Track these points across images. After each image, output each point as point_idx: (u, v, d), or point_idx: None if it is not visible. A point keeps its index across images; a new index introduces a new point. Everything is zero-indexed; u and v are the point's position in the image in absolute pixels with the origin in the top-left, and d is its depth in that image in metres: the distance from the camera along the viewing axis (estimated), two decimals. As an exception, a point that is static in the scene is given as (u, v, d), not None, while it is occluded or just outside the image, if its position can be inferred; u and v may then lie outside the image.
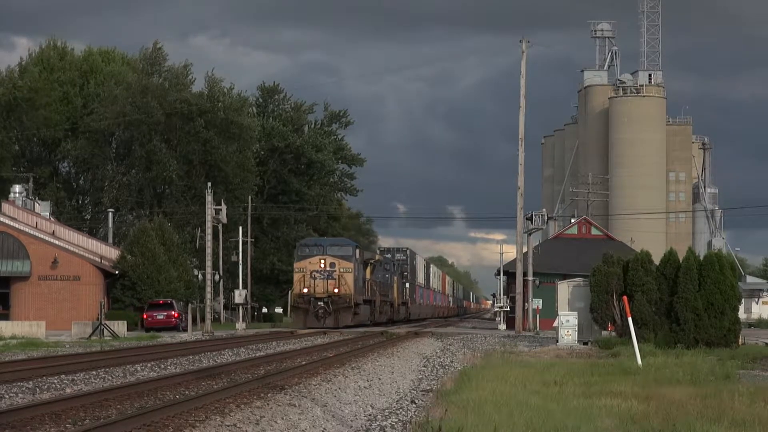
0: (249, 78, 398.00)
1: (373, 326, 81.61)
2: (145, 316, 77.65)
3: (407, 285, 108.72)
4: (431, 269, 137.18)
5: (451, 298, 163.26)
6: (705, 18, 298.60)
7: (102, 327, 62.79)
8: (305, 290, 73.92)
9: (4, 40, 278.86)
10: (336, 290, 73.67)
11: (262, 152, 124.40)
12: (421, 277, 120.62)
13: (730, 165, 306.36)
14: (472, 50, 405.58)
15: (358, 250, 78.51)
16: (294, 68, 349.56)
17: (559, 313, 53.27)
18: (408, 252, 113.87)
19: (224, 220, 79.89)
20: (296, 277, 75.63)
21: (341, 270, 74.30)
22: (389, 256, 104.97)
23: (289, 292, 78.05)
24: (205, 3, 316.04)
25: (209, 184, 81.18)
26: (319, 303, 73.33)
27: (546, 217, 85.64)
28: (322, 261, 74.60)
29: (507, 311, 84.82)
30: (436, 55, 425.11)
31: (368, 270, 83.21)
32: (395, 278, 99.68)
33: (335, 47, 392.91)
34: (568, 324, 51.24)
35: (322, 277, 74.19)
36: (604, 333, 49.68)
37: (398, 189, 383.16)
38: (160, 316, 77.49)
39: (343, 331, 69.47)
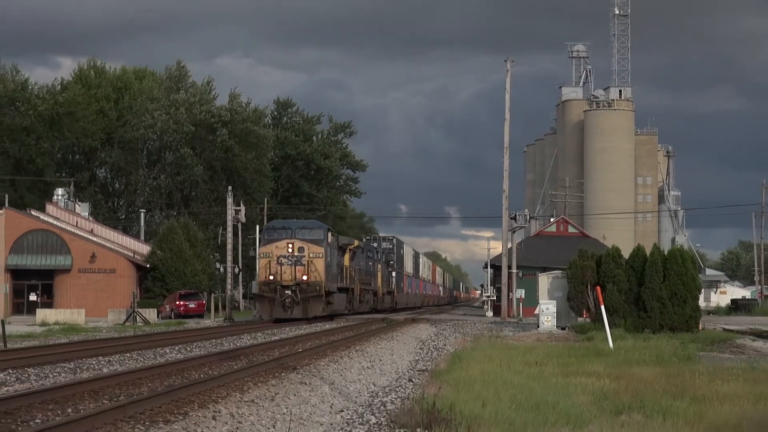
0: (269, 93, 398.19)
1: (351, 315, 71.54)
2: (178, 305, 77.65)
3: (393, 274, 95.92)
4: (421, 259, 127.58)
5: (441, 288, 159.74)
6: (672, 38, 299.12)
7: (135, 314, 62.89)
8: (271, 277, 60.07)
9: (50, 60, 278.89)
10: (305, 277, 59.89)
11: (277, 159, 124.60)
12: (409, 267, 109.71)
13: (692, 170, 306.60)
14: (467, 68, 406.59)
15: (330, 234, 64.25)
16: (310, 85, 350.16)
17: (540, 301, 53.26)
18: (394, 241, 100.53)
19: (243, 219, 79.96)
20: (261, 262, 62.02)
21: (311, 255, 60.46)
22: (375, 245, 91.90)
23: (254, 280, 63.84)
24: (230, 26, 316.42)
25: (230, 187, 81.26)
26: (285, 291, 59.75)
27: (528, 217, 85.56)
28: (290, 245, 60.70)
29: (494, 300, 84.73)
30: (436, 73, 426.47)
31: (347, 257, 70.06)
32: (379, 266, 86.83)
33: (347, 66, 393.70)
34: (547, 311, 51.25)
35: (290, 262, 60.32)
36: (580, 319, 49.64)
37: (401, 192, 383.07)
38: (192, 304, 77.67)
39: (348, 318, 68.03)
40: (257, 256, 64.52)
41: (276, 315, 59.95)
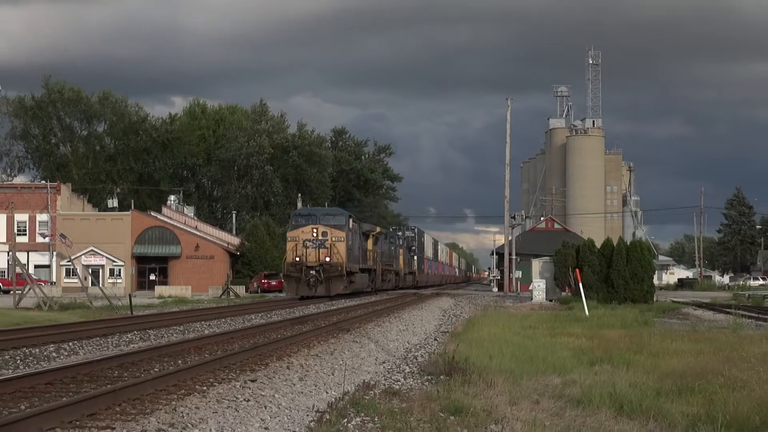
0: (331, 124, 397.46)
1: (375, 293, 63.22)
2: (263, 283, 77.54)
3: (415, 257, 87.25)
4: (439, 246, 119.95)
5: (458, 270, 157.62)
6: (634, 81, 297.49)
7: (228, 290, 63.10)
8: (297, 259, 51.56)
9: (167, 99, 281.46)
10: (327, 259, 51.36)
11: (334, 173, 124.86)
12: (429, 252, 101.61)
13: (648, 181, 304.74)
14: (479, 104, 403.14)
15: (352, 221, 54.77)
16: (361, 117, 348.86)
17: (533, 280, 53.21)
18: (416, 230, 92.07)
19: (309, 219, 79.58)
20: (289, 245, 52.84)
21: (333, 239, 51.81)
22: (400, 233, 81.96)
23: (283, 261, 55.13)
24: (303, 73, 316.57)
25: (299, 195, 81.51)
26: (310, 272, 51.41)
27: (524, 217, 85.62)
28: (315, 230, 51.97)
29: (498, 279, 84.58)
30: (456, 108, 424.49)
31: (369, 241, 61.24)
32: (401, 250, 77.77)
33: (389, 103, 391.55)
34: (539, 288, 51.21)
35: (314, 245, 51.71)
36: (564, 294, 49.57)
37: (430, 198, 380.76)
38: (273, 282, 77.56)
39: (389, 292, 66.37)
40: (286, 240, 55.42)
41: (301, 293, 51.89)
